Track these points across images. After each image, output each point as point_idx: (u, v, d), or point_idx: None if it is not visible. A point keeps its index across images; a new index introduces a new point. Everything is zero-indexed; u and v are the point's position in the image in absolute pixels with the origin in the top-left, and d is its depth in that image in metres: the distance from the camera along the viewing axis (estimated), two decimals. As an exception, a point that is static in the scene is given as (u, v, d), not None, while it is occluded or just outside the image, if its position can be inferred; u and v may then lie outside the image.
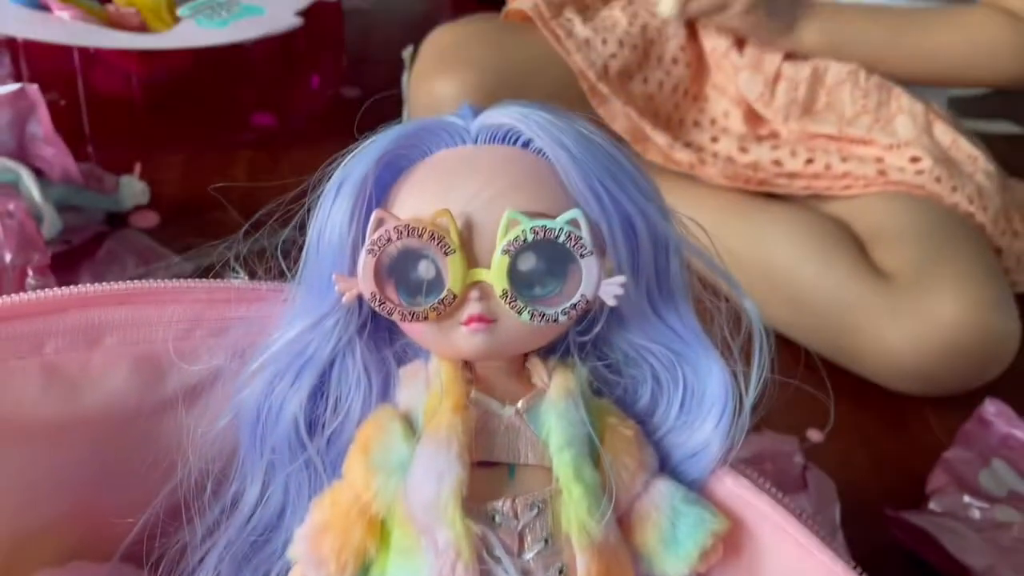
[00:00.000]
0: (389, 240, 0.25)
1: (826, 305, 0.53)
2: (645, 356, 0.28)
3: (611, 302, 0.26)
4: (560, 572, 0.25)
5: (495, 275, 0.25)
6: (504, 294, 0.25)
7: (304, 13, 0.68)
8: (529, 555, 0.25)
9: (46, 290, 0.27)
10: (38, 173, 0.51)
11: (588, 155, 0.26)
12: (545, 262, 0.25)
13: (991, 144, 0.78)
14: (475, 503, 0.25)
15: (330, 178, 0.26)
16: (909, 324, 0.50)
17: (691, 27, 0.66)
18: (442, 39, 0.64)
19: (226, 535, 0.28)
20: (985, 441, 0.50)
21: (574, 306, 0.26)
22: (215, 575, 0.28)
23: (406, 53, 0.69)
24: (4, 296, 0.27)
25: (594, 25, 0.64)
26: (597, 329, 0.28)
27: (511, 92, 0.55)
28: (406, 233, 0.25)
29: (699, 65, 0.67)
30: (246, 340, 0.29)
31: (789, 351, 0.57)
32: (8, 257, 0.45)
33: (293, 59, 0.69)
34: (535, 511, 0.26)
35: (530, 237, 0.24)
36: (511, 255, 0.25)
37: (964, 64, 0.60)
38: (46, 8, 0.64)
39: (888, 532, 0.45)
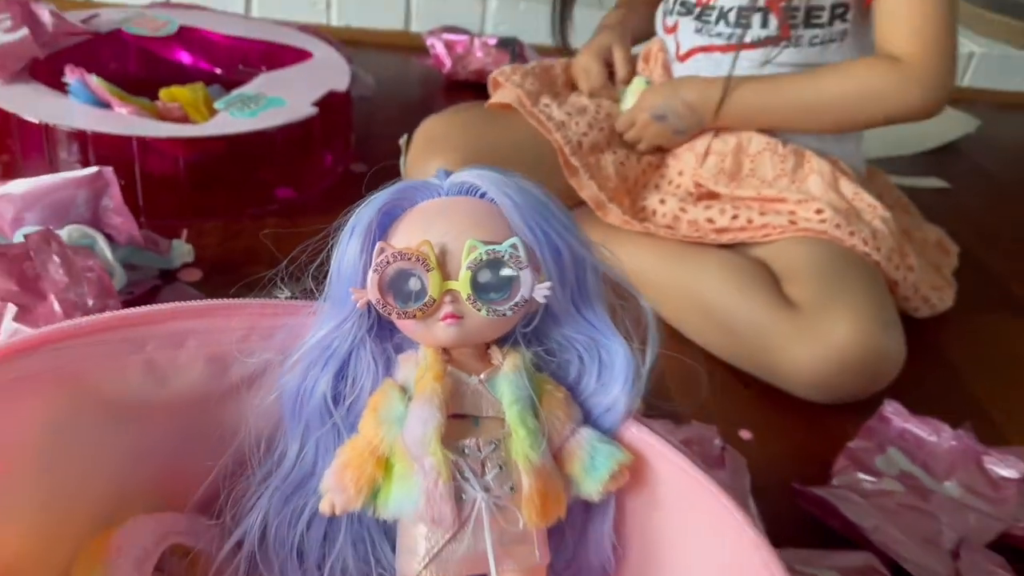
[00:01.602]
0: (388, 263, 0.36)
1: (747, 331, 0.64)
2: (571, 342, 0.39)
3: (542, 300, 0.37)
4: (511, 488, 0.36)
5: (462, 285, 0.36)
6: (469, 298, 0.36)
7: (319, 103, 0.82)
8: (489, 476, 0.36)
9: (149, 306, 0.39)
10: (109, 238, 0.64)
11: (525, 201, 0.38)
12: (496, 274, 0.37)
13: (921, 195, 0.91)
14: (450, 441, 0.36)
15: (346, 224, 0.38)
16: (811, 345, 0.61)
17: None
18: (432, 127, 0.76)
19: (275, 481, 0.39)
20: (884, 434, 0.61)
21: (518, 304, 0.37)
22: (267, 510, 0.39)
23: (402, 140, 0.82)
24: (122, 311, 0.39)
25: (567, 109, 0.77)
26: (535, 323, 0.39)
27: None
28: (400, 258, 0.36)
29: None
30: (288, 341, 0.40)
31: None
32: (91, 302, 0.57)
33: (310, 142, 0.82)
34: (493, 447, 0.37)
35: (484, 257, 0.36)
36: (472, 270, 0.36)
37: (859, 109, 0.71)
38: (107, 105, 0.78)
39: (796, 504, 0.55)
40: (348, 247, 0.38)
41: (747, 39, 0.73)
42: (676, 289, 0.69)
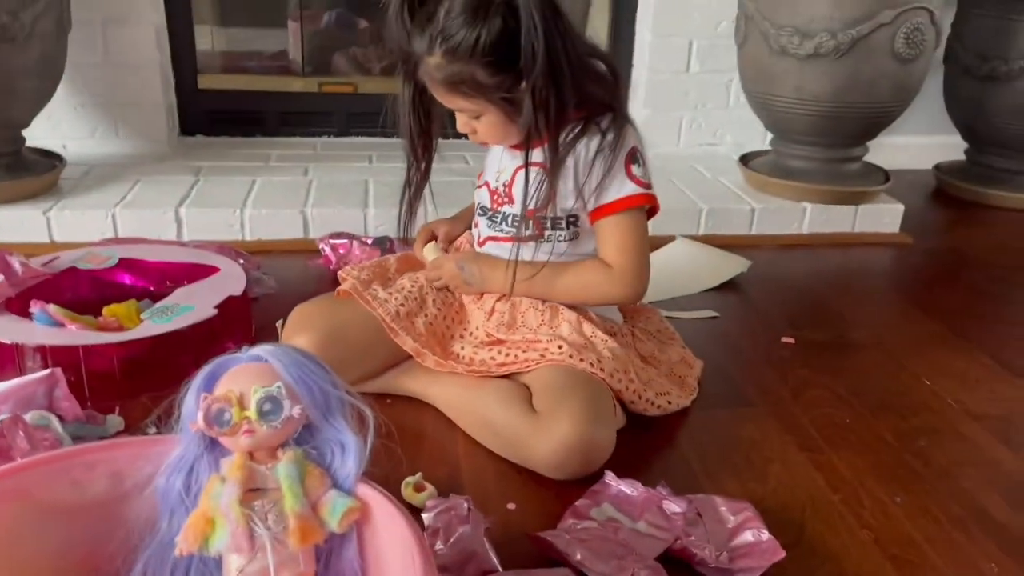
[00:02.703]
0: (210, 404, 0.65)
1: (509, 434, 0.92)
2: (325, 440, 0.67)
3: (296, 415, 0.65)
4: (284, 528, 0.63)
5: (252, 413, 0.64)
6: (257, 420, 0.64)
7: (219, 306, 1.12)
8: (270, 521, 0.63)
9: (77, 445, 0.66)
10: (60, 418, 0.91)
11: (290, 361, 0.66)
12: (272, 404, 0.65)
13: (695, 323, 1.22)
14: (247, 503, 0.62)
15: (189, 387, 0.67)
16: (545, 440, 0.88)
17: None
18: (298, 313, 1.06)
19: (153, 544, 0.66)
20: (602, 494, 0.87)
21: (285, 420, 0.65)
22: (146, 561, 0.65)
23: (279, 323, 1.11)
24: (54, 451, 0.66)
25: (390, 289, 1.08)
26: (299, 432, 0.67)
27: (338, 342, 0.98)
28: (216, 401, 0.65)
29: (458, 303, 1.10)
30: (160, 459, 0.67)
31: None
32: (46, 461, 0.83)
33: (213, 334, 1.11)
34: (273, 505, 0.63)
35: (262, 394, 0.64)
36: (258, 402, 0.64)
37: (586, 295, 1.03)
38: (61, 324, 1.07)
39: (533, 547, 0.81)
40: (187, 399, 0.66)
41: (519, 235, 1.04)
42: (469, 408, 0.98)
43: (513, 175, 1.04)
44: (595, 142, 0.97)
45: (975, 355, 1.26)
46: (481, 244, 1.11)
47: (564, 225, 1.03)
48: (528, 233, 1.03)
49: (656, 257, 1.53)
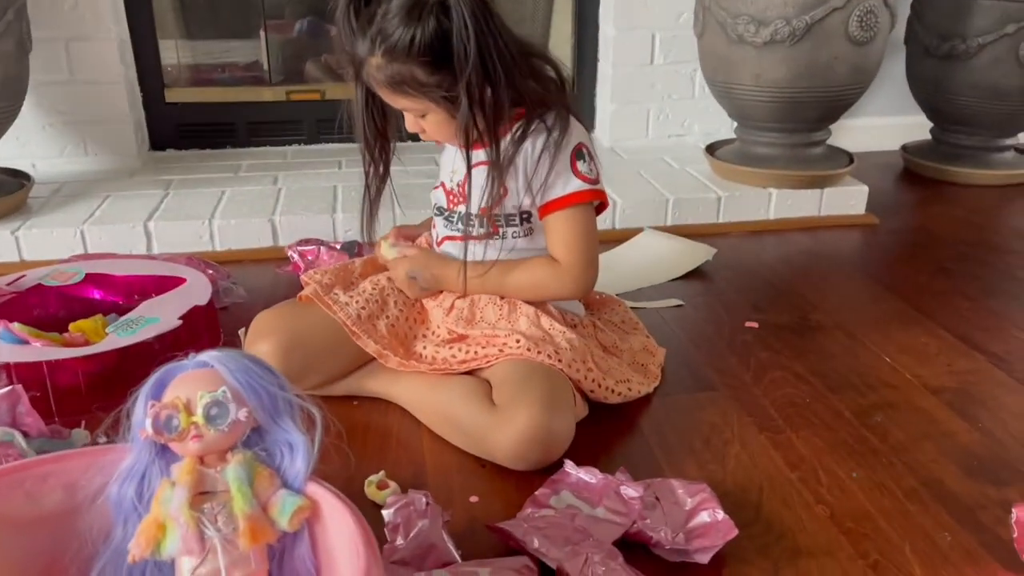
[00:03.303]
0: (158, 412, 0.66)
1: (471, 428, 0.93)
2: (274, 441, 0.68)
3: (244, 420, 0.66)
4: (234, 529, 0.64)
5: (199, 418, 0.65)
6: (204, 425, 0.65)
7: (183, 317, 1.13)
8: (220, 523, 0.64)
9: (31, 458, 0.67)
10: (24, 434, 0.92)
11: (236, 366, 0.67)
12: (219, 409, 0.66)
13: (661, 312, 1.23)
14: (197, 506, 0.64)
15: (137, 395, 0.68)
16: (504, 432, 0.89)
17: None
18: (259, 320, 1.07)
19: (108, 552, 0.67)
20: (562, 482, 0.89)
21: (232, 423, 0.66)
22: (103, 567, 0.66)
23: (241, 331, 1.12)
24: (7, 464, 0.67)
25: (351, 293, 1.09)
26: (247, 435, 0.68)
27: (300, 347, 1.00)
28: (164, 408, 0.66)
29: (420, 304, 1.11)
30: (112, 467, 0.69)
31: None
32: (9, 476, 0.84)
33: (178, 344, 1.12)
34: (222, 506, 0.64)
35: (208, 399, 0.65)
36: (205, 407, 0.66)
37: (536, 292, 1.04)
38: (25, 341, 1.08)
39: (493, 538, 0.82)
40: (136, 407, 0.67)
41: (474, 233, 1.05)
42: (433, 406, 0.99)
43: (466, 175, 1.05)
44: (541, 140, 0.99)
45: (935, 331, 1.28)
46: (439, 244, 1.12)
47: (518, 222, 1.04)
48: (483, 231, 1.04)
49: (622, 250, 1.55)
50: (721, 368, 1.17)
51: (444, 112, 0.96)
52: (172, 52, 1.99)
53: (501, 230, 1.05)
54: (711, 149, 1.87)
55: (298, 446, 0.68)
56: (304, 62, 2.08)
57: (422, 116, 0.99)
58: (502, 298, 1.06)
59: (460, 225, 1.08)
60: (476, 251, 1.04)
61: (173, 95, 1.98)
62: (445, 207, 1.10)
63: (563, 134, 0.99)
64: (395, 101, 0.97)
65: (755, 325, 1.29)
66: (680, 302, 1.37)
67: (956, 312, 1.35)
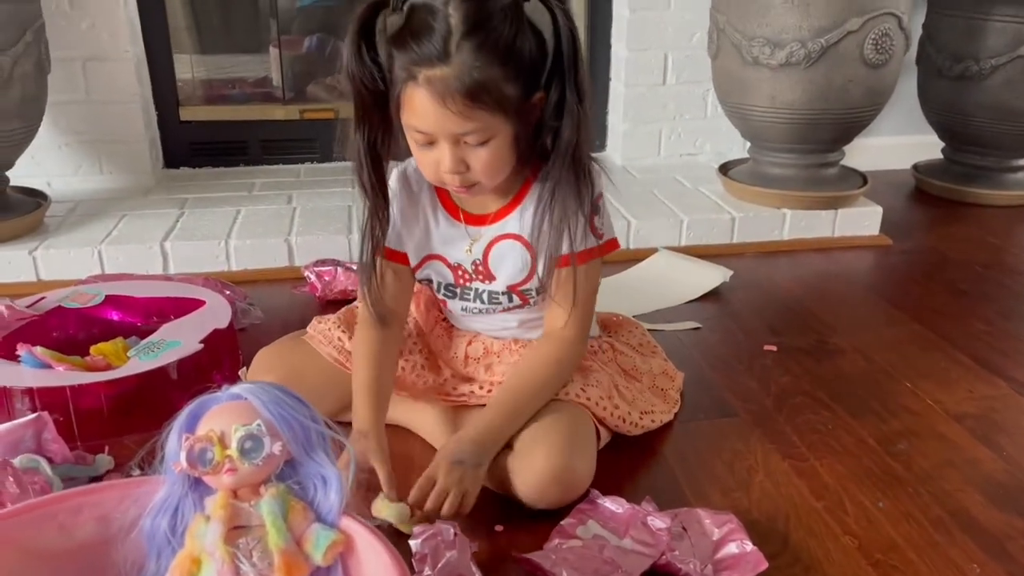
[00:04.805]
0: (193, 444, 0.66)
1: (494, 466, 0.90)
2: (307, 475, 0.68)
3: (278, 452, 0.66)
4: (269, 564, 0.64)
5: (234, 451, 0.65)
6: (239, 457, 0.65)
7: (204, 340, 1.13)
8: (255, 558, 0.64)
9: (62, 491, 0.67)
10: (49, 460, 0.92)
11: (268, 398, 0.67)
12: (253, 442, 0.66)
13: (677, 334, 1.23)
14: (232, 541, 0.64)
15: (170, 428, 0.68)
16: (525, 473, 0.88)
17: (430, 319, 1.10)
18: (261, 357, 1.05)
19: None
20: (588, 512, 0.88)
21: (266, 458, 0.66)
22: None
23: (242, 371, 1.12)
24: (40, 498, 0.67)
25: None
26: (280, 468, 0.68)
27: (301, 381, 0.95)
28: (198, 441, 0.66)
29: (429, 349, 1.09)
30: (145, 500, 0.69)
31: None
32: (36, 504, 0.84)
33: (200, 367, 1.12)
34: (257, 541, 0.64)
35: (243, 432, 0.65)
36: (239, 440, 0.66)
37: (551, 390, 0.96)
38: (48, 366, 1.08)
39: (521, 569, 0.82)
40: (170, 440, 0.67)
41: (498, 310, 1.01)
42: (450, 437, 0.99)
43: (487, 250, 0.98)
44: (570, 201, 0.90)
45: (953, 355, 1.28)
46: (443, 304, 1.07)
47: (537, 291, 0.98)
48: (512, 304, 1.01)
49: (638, 270, 1.56)
50: (741, 393, 1.17)
51: (512, 132, 0.85)
52: (187, 67, 1.99)
53: (532, 300, 1.00)
54: (724, 169, 1.87)
55: (331, 479, 0.68)
56: (317, 80, 2.09)
57: (483, 143, 0.84)
58: (516, 342, 1.04)
59: (480, 303, 1.01)
60: (505, 319, 1.03)
61: (187, 113, 1.99)
62: (453, 283, 1.02)
63: (592, 191, 0.91)
64: (464, 119, 0.81)
65: (774, 348, 1.29)
66: (697, 324, 1.37)
67: (974, 335, 1.34)
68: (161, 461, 0.68)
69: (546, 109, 0.86)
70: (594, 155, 0.93)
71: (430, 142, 0.86)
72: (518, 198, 0.96)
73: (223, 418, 0.67)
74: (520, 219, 0.95)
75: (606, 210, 0.97)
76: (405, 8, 0.82)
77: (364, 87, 0.84)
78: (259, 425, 0.66)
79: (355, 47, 0.83)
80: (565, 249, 0.91)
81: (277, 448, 0.66)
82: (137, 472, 0.69)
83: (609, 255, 1.00)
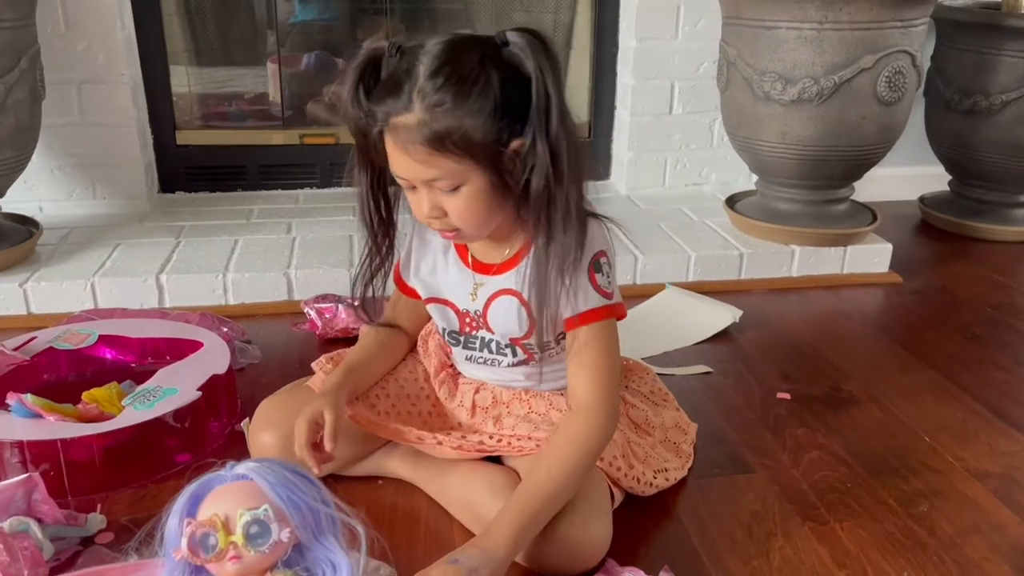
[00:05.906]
0: (195, 530, 0.62)
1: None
2: (317, 561, 0.65)
3: (285, 538, 0.63)
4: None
5: (238, 537, 0.62)
6: (243, 545, 0.62)
7: (203, 387, 1.09)
8: (260, 655, 0.60)
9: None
10: (39, 521, 0.88)
11: (276, 480, 0.64)
12: (260, 528, 0.62)
13: (687, 380, 1.20)
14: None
15: (171, 509, 0.64)
16: (543, 542, 0.83)
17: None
18: (263, 410, 1.00)
19: None
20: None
21: (273, 544, 0.62)
22: None
23: (243, 424, 1.08)
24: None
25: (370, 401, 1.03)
26: (288, 554, 0.64)
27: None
28: (201, 526, 0.62)
29: (436, 398, 1.06)
30: (145, 585, 0.65)
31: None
32: (25, 572, 0.80)
33: (198, 416, 1.08)
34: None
35: (249, 518, 0.62)
36: (245, 526, 0.62)
37: (586, 466, 0.87)
38: (39, 415, 1.04)
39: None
40: (170, 523, 0.63)
41: (504, 364, 0.98)
42: (459, 496, 0.95)
43: (487, 303, 0.95)
44: (562, 257, 0.85)
45: (971, 405, 1.25)
46: (448, 352, 1.05)
47: (554, 343, 0.95)
48: (517, 360, 0.97)
49: (646, 308, 1.52)
50: (756, 446, 1.13)
51: (486, 180, 0.82)
52: (183, 81, 1.95)
53: (535, 355, 0.96)
54: (731, 202, 1.84)
55: (341, 566, 0.64)
56: (315, 101, 2.05)
57: (454, 190, 0.83)
58: (527, 392, 1.01)
59: (487, 353, 0.99)
60: (513, 372, 0.99)
61: (184, 137, 1.95)
62: (458, 330, 1.00)
63: (585, 244, 0.86)
64: (428, 166, 0.81)
65: (787, 396, 1.26)
66: (708, 369, 1.33)
67: (990, 384, 1.32)
68: (160, 544, 0.64)
69: (527, 158, 0.82)
70: (596, 182, 0.94)
71: (412, 186, 0.86)
72: (521, 252, 0.93)
73: (227, 501, 0.63)
74: (517, 275, 0.92)
75: (612, 270, 0.91)
76: (397, 54, 0.82)
77: (360, 132, 0.85)
78: (266, 510, 0.63)
79: (353, 93, 0.83)
80: (565, 308, 0.88)
81: (285, 535, 0.63)
82: (134, 558, 0.65)
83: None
